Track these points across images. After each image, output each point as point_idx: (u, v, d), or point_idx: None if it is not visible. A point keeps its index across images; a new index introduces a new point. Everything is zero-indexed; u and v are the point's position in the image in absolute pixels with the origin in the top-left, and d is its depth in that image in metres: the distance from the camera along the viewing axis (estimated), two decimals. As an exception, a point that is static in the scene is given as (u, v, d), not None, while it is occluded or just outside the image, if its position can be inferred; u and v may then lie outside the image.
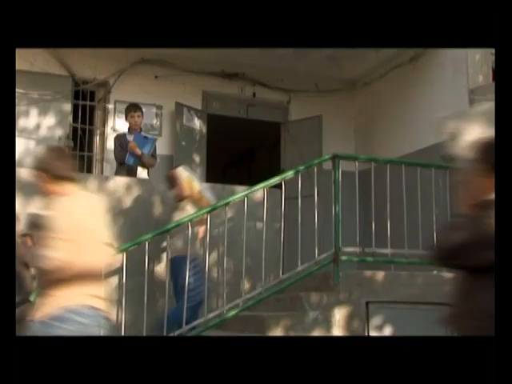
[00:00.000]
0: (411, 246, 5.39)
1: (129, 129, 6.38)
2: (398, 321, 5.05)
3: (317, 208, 5.35)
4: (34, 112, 7.25)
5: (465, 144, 4.53)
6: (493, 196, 2.58)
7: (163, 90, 7.71)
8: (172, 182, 5.66)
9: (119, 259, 4.62)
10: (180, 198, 5.54)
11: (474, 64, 6.69)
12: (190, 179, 5.62)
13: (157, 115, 7.76)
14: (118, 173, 6.23)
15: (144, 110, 6.58)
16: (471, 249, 2.48)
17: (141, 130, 6.42)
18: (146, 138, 6.38)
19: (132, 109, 6.37)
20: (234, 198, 5.24)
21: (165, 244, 5.27)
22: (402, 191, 5.51)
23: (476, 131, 4.90)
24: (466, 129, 5.12)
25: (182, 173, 5.66)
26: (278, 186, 5.39)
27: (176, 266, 5.20)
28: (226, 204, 5.15)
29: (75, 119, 7.53)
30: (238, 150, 11.22)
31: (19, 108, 6.98)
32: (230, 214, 5.29)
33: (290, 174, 5.39)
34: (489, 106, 5.33)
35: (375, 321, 5.03)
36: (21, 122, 7.11)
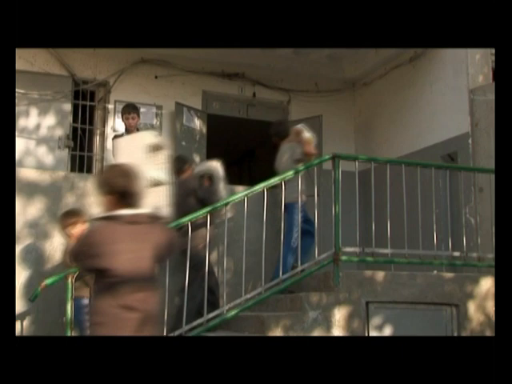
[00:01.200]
0: (411, 246, 5.39)
1: (126, 129, 6.37)
2: (398, 321, 5.05)
3: (317, 208, 5.35)
4: (34, 112, 7.25)
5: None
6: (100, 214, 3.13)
7: (163, 90, 7.71)
8: (295, 136, 6.13)
9: None
10: (309, 155, 5.93)
11: (474, 64, 6.69)
12: (311, 140, 6.09)
13: (157, 115, 7.75)
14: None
15: (144, 109, 6.55)
16: (81, 256, 3.07)
17: (137, 130, 6.41)
18: None
19: (126, 110, 6.35)
20: (234, 198, 5.24)
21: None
22: (402, 191, 5.51)
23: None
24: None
25: (307, 132, 6.10)
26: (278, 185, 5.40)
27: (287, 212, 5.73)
28: (226, 204, 5.15)
29: (75, 119, 7.52)
30: (238, 150, 11.20)
31: (19, 108, 6.98)
32: (230, 213, 5.28)
33: (290, 174, 5.39)
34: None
35: (375, 321, 5.03)
36: (21, 122, 7.10)
